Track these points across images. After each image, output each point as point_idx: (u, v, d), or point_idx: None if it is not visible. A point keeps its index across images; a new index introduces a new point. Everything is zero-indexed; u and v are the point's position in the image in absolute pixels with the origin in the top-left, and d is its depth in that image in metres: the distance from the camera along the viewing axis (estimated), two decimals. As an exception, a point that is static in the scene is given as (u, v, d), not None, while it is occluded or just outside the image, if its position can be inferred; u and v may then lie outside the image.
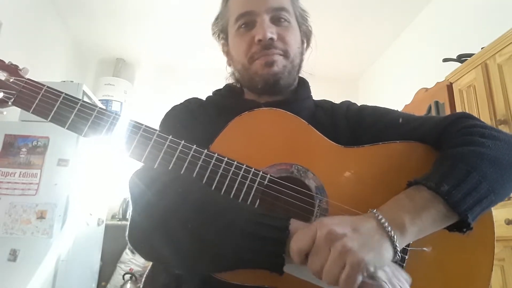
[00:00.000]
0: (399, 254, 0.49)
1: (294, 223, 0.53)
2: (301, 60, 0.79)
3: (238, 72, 0.77)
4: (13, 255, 2.07)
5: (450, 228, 0.55)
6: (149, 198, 0.58)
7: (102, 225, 2.85)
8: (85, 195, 2.48)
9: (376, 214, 0.51)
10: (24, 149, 2.26)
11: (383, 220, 0.50)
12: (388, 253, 0.48)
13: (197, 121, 0.73)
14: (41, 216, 2.15)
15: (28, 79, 0.64)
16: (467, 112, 0.89)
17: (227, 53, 0.82)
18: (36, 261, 2.07)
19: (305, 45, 0.82)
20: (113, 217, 3.34)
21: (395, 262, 0.50)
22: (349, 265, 0.44)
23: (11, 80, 0.63)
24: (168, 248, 0.56)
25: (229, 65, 0.81)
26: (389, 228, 0.49)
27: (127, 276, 3.03)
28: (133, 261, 3.09)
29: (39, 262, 2.07)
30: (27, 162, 2.24)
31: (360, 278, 0.44)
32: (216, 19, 0.82)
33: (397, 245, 0.48)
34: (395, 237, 0.48)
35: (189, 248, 0.54)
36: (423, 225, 0.52)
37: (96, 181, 2.72)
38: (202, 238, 0.53)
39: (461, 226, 0.54)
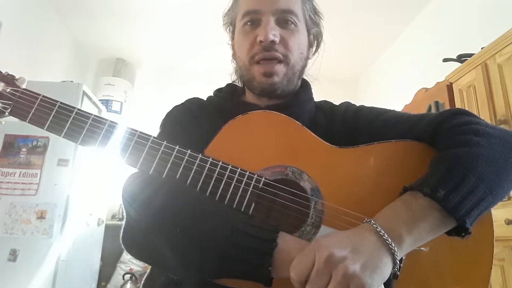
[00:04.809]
0: (398, 267, 0.49)
1: (284, 236, 0.52)
2: (304, 65, 0.77)
3: (240, 69, 0.77)
4: (13, 255, 2.07)
5: (448, 233, 0.54)
6: (140, 203, 0.58)
7: (102, 225, 2.85)
8: (85, 195, 2.48)
9: (375, 226, 0.50)
10: (24, 149, 2.26)
11: (382, 232, 0.49)
12: (388, 268, 0.48)
13: (197, 123, 0.73)
14: (41, 216, 2.16)
15: (24, 89, 0.64)
16: (462, 108, 0.87)
17: (233, 46, 0.81)
18: (36, 261, 2.07)
19: (313, 48, 0.80)
20: (113, 217, 3.35)
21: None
22: None
23: (8, 90, 0.63)
24: (158, 253, 0.56)
25: (234, 59, 0.81)
26: (390, 240, 0.48)
27: (127, 276, 3.04)
28: (133, 261, 3.10)
29: (39, 262, 2.07)
30: (27, 162, 2.24)
31: None
32: (228, 10, 0.81)
33: (397, 258, 0.48)
34: (395, 249, 0.48)
35: (177, 253, 0.54)
36: (420, 235, 0.51)
37: (96, 181, 2.72)
38: (188, 244, 0.53)
39: (459, 230, 0.53)
